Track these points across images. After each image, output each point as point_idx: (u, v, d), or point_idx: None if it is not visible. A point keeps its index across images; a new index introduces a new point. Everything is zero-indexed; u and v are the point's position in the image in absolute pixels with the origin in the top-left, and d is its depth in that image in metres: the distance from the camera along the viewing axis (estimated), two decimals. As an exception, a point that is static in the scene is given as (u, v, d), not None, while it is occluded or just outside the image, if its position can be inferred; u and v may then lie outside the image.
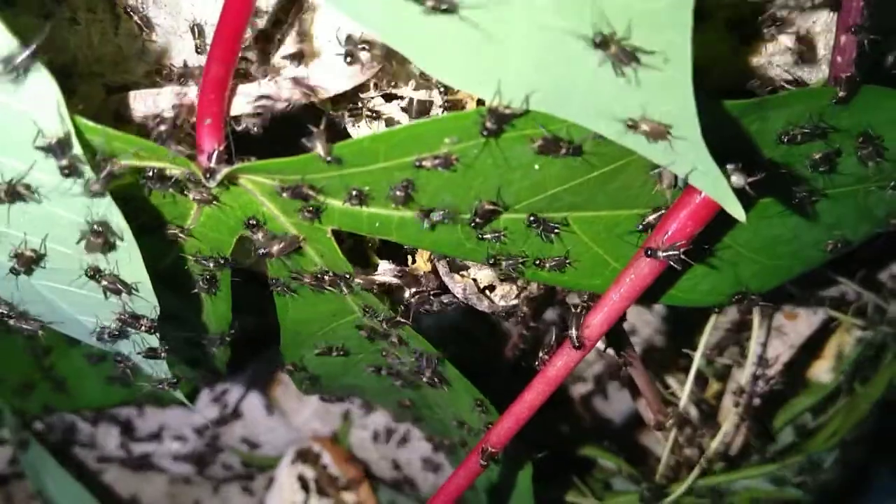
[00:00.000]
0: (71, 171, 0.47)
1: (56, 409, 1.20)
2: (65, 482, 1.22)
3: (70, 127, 0.46)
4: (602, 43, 0.43)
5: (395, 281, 0.63)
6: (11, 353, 1.13)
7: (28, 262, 0.54)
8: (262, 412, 1.28)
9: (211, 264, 0.60)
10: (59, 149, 0.45)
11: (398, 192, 0.52)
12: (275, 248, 0.57)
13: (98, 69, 0.66)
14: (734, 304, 0.67)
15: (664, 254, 0.55)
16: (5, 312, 0.59)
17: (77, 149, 0.46)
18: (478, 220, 0.54)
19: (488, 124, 0.47)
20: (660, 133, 0.46)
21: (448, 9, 0.42)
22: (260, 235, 0.57)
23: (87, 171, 0.48)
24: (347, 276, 0.61)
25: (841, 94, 0.53)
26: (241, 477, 1.34)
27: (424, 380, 0.67)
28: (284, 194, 0.53)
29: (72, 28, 0.64)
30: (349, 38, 0.53)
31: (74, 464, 1.29)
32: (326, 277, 0.62)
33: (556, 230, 0.57)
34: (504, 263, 0.58)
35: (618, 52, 0.43)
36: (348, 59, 0.51)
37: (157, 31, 0.60)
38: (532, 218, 0.55)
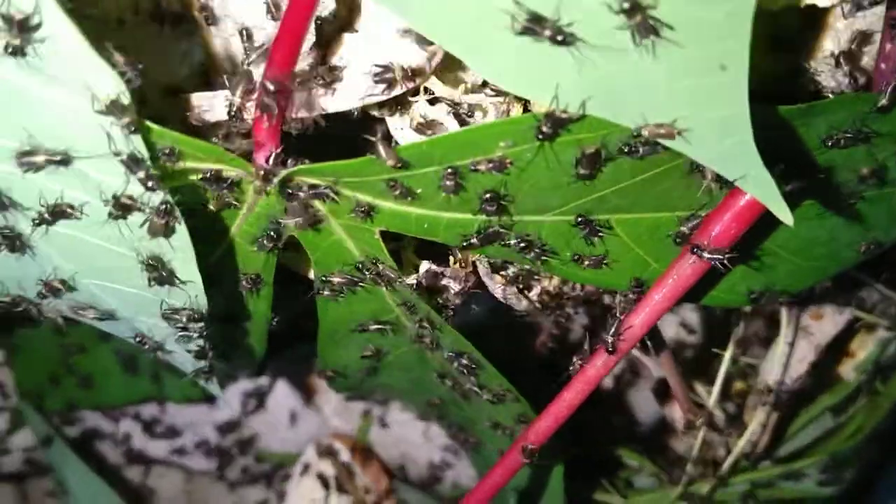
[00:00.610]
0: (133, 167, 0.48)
1: (80, 405, 1.21)
2: (86, 478, 1.23)
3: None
4: (630, 10, 0.43)
5: (439, 281, 0.64)
6: (39, 348, 1.14)
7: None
8: (282, 409, 1.28)
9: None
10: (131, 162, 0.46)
11: (447, 182, 0.53)
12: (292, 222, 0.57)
13: (145, 70, 0.67)
14: (753, 303, 0.68)
15: (709, 255, 0.56)
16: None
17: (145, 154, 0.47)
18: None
19: (545, 128, 0.48)
20: (670, 135, 0.47)
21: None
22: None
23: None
24: (390, 272, 0.62)
25: (883, 102, 0.54)
26: (260, 474, 1.35)
27: (468, 383, 0.68)
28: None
29: (119, 28, 0.65)
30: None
31: (95, 459, 1.30)
32: (368, 271, 0.62)
33: (600, 233, 0.58)
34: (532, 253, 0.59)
35: (642, 21, 0.43)
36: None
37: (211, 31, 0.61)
38: (580, 219, 0.56)
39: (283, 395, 1.27)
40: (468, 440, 1.00)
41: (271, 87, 0.49)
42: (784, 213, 0.50)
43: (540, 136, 0.49)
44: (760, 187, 0.49)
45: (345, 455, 1.26)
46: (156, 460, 1.33)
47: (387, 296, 0.66)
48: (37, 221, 0.52)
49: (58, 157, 0.48)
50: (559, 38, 0.43)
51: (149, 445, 1.31)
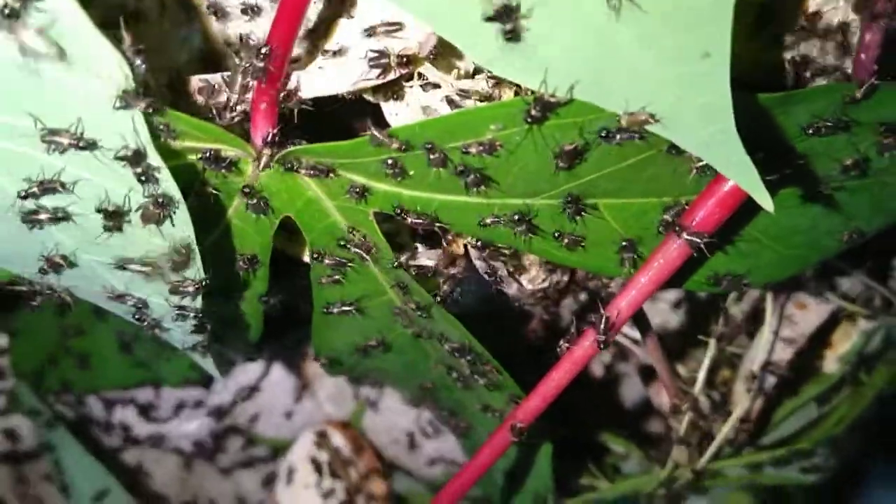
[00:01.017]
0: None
1: (77, 388, 1.22)
2: (83, 461, 1.24)
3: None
4: None
5: (431, 263, 0.66)
6: (38, 331, 1.15)
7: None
8: (276, 395, 1.30)
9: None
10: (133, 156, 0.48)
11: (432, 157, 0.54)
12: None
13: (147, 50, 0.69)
14: (715, 287, 0.69)
15: (688, 237, 0.57)
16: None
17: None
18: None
19: (533, 112, 0.50)
20: (647, 122, 0.49)
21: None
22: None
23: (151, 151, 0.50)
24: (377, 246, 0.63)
25: (857, 94, 0.56)
26: (253, 459, 1.36)
27: (460, 365, 0.70)
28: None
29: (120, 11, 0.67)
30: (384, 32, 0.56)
31: (90, 442, 1.31)
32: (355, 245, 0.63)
33: (583, 212, 0.60)
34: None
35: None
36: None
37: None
38: (569, 197, 0.57)
39: (278, 380, 1.29)
40: (459, 425, 1.01)
41: (265, 66, 0.50)
42: (765, 200, 0.52)
43: (529, 120, 0.51)
44: (742, 174, 0.51)
45: (338, 441, 1.27)
46: (151, 444, 1.34)
47: (379, 276, 0.68)
48: (23, 195, 0.53)
49: (83, 143, 0.49)
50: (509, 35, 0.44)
51: (144, 429, 1.32)
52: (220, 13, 0.61)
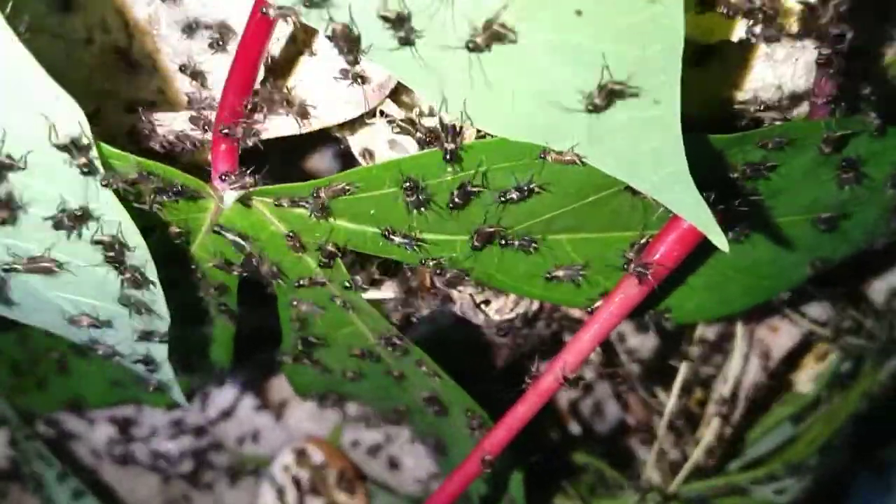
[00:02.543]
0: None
1: (54, 406, 1.22)
2: (63, 479, 1.24)
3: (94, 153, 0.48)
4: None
5: (394, 296, 0.66)
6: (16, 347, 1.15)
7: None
8: (257, 413, 1.30)
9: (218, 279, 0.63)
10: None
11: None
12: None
13: (111, 87, 0.69)
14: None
15: (637, 267, 0.58)
16: None
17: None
18: (476, 243, 0.57)
19: (446, 144, 0.51)
20: (573, 161, 0.50)
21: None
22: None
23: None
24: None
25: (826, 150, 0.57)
26: (234, 476, 1.36)
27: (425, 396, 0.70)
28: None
29: (87, 47, 0.67)
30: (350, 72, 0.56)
31: (70, 461, 1.31)
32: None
33: (533, 245, 0.60)
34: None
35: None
36: (353, 85, 0.54)
37: (168, 53, 0.62)
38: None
39: (256, 398, 1.29)
40: (435, 444, 1.02)
41: (227, 111, 0.50)
42: (719, 240, 0.52)
43: (447, 158, 0.51)
44: (696, 214, 0.51)
45: (318, 458, 1.27)
46: (131, 462, 1.34)
47: (347, 311, 0.68)
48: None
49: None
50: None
51: (124, 447, 1.32)
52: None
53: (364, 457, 1.28)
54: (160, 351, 0.66)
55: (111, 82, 0.68)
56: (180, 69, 0.59)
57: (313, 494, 1.26)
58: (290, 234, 0.57)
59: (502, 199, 0.54)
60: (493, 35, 0.45)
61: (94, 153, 0.48)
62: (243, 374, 1.28)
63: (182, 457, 1.33)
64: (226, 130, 0.51)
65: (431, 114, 0.59)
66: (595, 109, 0.47)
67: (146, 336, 0.62)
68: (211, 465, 1.34)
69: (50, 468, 1.24)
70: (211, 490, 1.37)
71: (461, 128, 0.51)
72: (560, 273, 0.61)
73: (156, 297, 0.57)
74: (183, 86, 0.66)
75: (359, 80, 0.55)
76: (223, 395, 1.29)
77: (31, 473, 1.25)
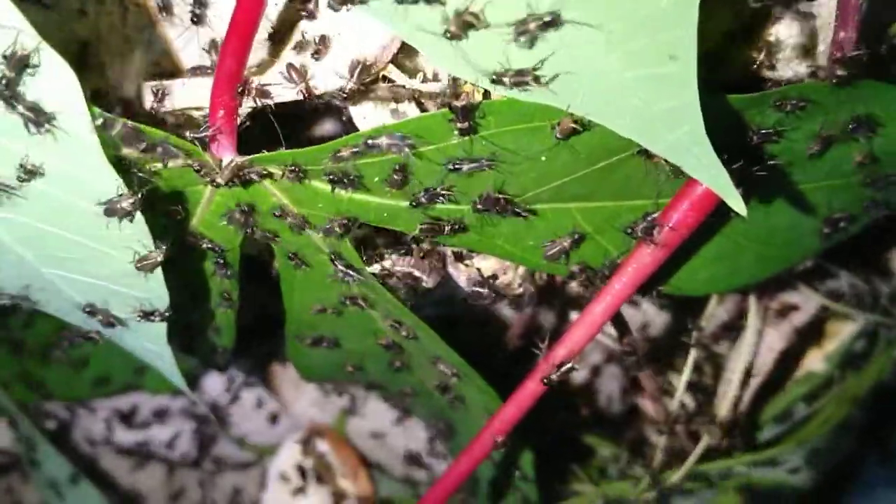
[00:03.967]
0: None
1: (55, 397, 1.20)
2: (65, 470, 1.23)
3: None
4: None
5: (401, 270, 0.64)
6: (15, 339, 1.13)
7: None
8: (261, 401, 1.29)
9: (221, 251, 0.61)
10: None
11: (395, 177, 0.53)
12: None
13: (106, 60, 0.67)
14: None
15: (647, 234, 0.56)
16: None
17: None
18: (479, 206, 0.55)
19: (459, 125, 0.49)
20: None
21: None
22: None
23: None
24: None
25: (833, 81, 0.54)
26: (239, 465, 1.35)
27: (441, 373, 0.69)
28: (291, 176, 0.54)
29: (80, 19, 0.65)
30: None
31: (72, 452, 1.30)
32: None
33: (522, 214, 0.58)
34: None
35: None
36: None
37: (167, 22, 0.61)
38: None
39: (259, 388, 1.28)
40: (441, 428, 1.00)
41: (224, 77, 0.49)
42: (737, 203, 0.50)
43: (458, 132, 0.49)
44: (713, 177, 0.50)
45: (323, 446, 1.26)
46: (134, 451, 1.33)
47: (351, 283, 0.66)
48: None
49: None
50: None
51: (126, 436, 1.31)
52: (168, 9, 0.59)
53: (369, 443, 1.26)
54: (160, 331, 0.64)
55: (105, 56, 0.67)
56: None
57: (319, 482, 1.25)
58: (279, 210, 0.56)
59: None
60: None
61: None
62: (247, 363, 1.27)
63: (186, 446, 1.31)
64: (222, 95, 0.49)
65: (436, 79, 0.57)
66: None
67: (146, 316, 0.60)
68: (216, 453, 1.33)
69: (49, 457, 1.23)
70: (216, 479, 1.36)
71: (473, 105, 0.49)
72: (556, 247, 0.59)
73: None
74: (178, 58, 0.65)
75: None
76: (227, 384, 1.28)
77: (31, 462, 1.23)
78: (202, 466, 1.33)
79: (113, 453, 1.33)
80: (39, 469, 1.23)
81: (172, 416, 1.30)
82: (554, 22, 0.45)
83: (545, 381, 0.61)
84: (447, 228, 0.56)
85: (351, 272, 0.61)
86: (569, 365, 0.59)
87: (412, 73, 0.58)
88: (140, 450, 1.31)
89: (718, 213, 0.62)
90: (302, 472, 1.25)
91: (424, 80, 0.57)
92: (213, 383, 1.27)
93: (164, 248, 0.55)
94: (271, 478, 1.27)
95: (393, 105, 0.61)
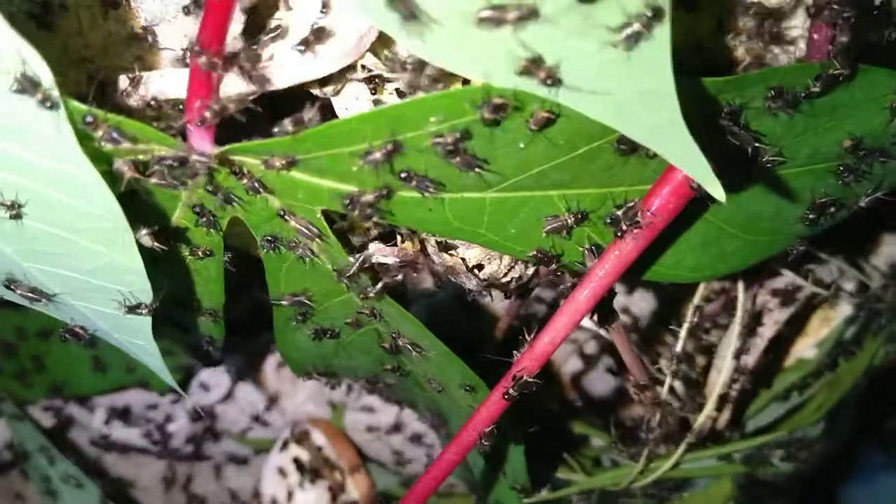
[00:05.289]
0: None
1: (52, 394, 1.21)
2: (63, 468, 1.23)
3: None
4: None
5: (387, 261, 0.64)
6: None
7: None
8: (257, 396, 1.29)
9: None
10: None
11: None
12: None
13: (87, 54, 0.67)
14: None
15: (626, 225, 0.56)
16: None
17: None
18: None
19: (486, 115, 0.49)
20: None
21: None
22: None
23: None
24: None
25: (815, 88, 0.54)
26: (236, 460, 1.35)
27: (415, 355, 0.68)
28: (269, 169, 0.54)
29: (61, 13, 0.65)
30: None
31: (70, 449, 1.31)
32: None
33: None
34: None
35: None
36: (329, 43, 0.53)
37: (145, 16, 0.61)
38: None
39: (255, 383, 1.28)
40: (434, 420, 1.00)
41: (203, 64, 0.48)
42: (716, 189, 0.50)
43: (484, 122, 0.49)
44: (690, 162, 0.49)
45: (320, 439, 1.26)
46: (131, 448, 1.33)
47: (336, 276, 0.66)
48: None
49: None
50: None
51: (124, 433, 1.31)
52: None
53: (366, 437, 1.27)
54: (144, 326, 0.64)
55: (87, 50, 0.67)
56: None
57: (316, 476, 1.25)
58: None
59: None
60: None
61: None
62: (242, 359, 1.27)
63: (183, 442, 1.32)
64: (198, 85, 0.49)
65: (413, 67, 0.57)
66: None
67: (131, 310, 0.60)
68: (213, 449, 1.33)
69: (48, 455, 1.23)
70: (213, 475, 1.37)
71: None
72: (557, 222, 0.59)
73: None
74: (162, 55, 0.65)
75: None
76: (222, 380, 1.28)
77: (30, 461, 1.24)
78: (200, 462, 1.33)
79: (110, 450, 1.33)
80: (38, 467, 1.23)
81: (169, 411, 1.30)
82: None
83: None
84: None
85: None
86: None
87: (391, 61, 0.58)
88: (137, 446, 1.32)
89: (701, 200, 0.62)
90: (299, 465, 1.25)
91: (403, 69, 0.57)
92: (210, 378, 1.27)
93: (147, 232, 0.55)
94: (268, 472, 1.27)
95: (373, 94, 0.61)
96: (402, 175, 0.53)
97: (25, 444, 1.23)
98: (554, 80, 0.47)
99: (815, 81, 0.55)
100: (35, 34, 0.65)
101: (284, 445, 1.28)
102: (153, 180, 0.54)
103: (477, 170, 0.53)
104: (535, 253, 0.62)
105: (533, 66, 0.46)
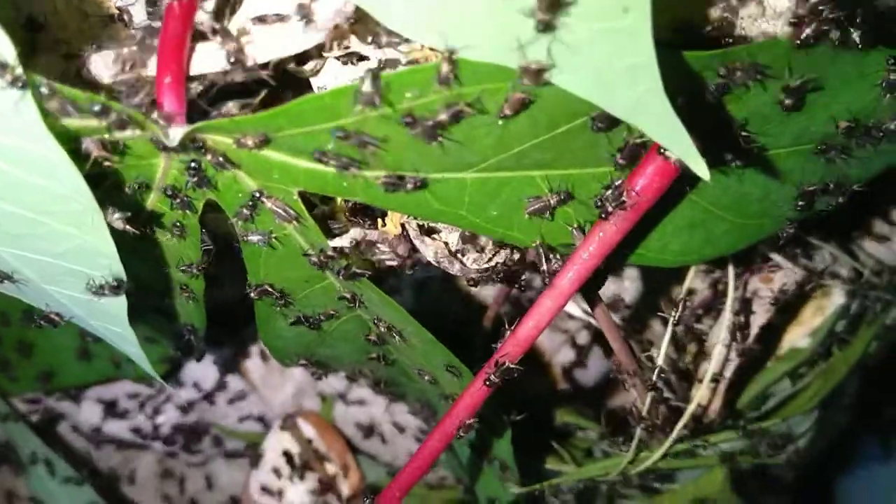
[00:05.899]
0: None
1: (38, 387, 1.19)
2: (51, 461, 1.22)
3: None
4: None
5: (365, 243, 0.63)
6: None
7: None
8: (246, 389, 1.28)
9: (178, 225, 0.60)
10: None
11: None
12: None
13: (64, 36, 0.66)
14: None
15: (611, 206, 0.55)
16: None
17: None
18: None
19: (444, 71, 0.47)
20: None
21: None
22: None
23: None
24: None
25: (797, 42, 0.53)
26: (226, 453, 1.34)
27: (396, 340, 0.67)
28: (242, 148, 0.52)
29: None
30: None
31: (59, 443, 1.29)
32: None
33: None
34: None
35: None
36: (303, 20, 0.51)
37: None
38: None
39: (244, 374, 1.27)
40: (424, 409, 0.99)
41: (170, 41, 0.47)
42: (700, 166, 0.48)
43: (440, 82, 0.48)
44: (673, 138, 0.48)
45: (310, 432, 1.26)
46: (121, 442, 1.32)
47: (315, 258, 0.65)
48: None
49: None
50: None
51: (114, 426, 1.30)
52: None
53: (355, 430, 1.26)
54: (119, 312, 0.63)
55: (63, 31, 0.65)
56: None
57: (306, 469, 1.24)
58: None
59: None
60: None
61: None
62: (229, 351, 1.26)
63: (173, 435, 1.31)
64: (169, 61, 0.48)
65: (391, 45, 0.56)
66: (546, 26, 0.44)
67: (101, 291, 0.59)
68: (203, 442, 1.32)
69: (37, 450, 1.22)
70: (203, 468, 1.36)
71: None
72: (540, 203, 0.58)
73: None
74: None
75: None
76: (210, 372, 1.27)
77: (20, 455, 1.23)
78: (190, 455, 1.32)
79: (101, 443, 1.32)
80: (28, 461, 1.22)
81: (158, 407, 1.29)
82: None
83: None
84: (409, 185, 0.54)
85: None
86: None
87: (366, 39, 0.56)
88: (127, 439, 1.31)
89: (688, 181, 0.60)
90: (289, 458, 1.24)
91: (380, 47, 0.56)
92: (198, 371, 1.26)
93: (119, 216, 0.54)
94: (259, 464, 1.26)
95: (352, 73, 0.59)
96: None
97: (16, 441, 1.22)
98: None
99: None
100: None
101: (274, 438, 1.27)
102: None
103: (441, 140, 0.50)
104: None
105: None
